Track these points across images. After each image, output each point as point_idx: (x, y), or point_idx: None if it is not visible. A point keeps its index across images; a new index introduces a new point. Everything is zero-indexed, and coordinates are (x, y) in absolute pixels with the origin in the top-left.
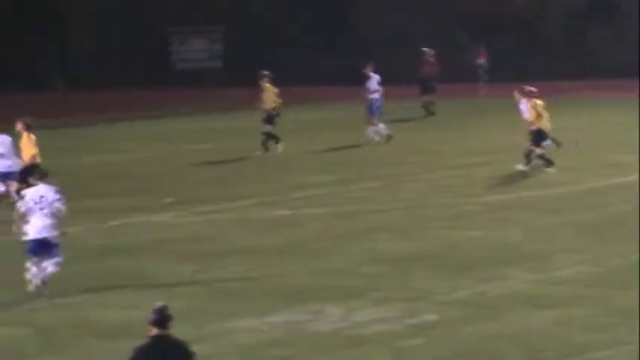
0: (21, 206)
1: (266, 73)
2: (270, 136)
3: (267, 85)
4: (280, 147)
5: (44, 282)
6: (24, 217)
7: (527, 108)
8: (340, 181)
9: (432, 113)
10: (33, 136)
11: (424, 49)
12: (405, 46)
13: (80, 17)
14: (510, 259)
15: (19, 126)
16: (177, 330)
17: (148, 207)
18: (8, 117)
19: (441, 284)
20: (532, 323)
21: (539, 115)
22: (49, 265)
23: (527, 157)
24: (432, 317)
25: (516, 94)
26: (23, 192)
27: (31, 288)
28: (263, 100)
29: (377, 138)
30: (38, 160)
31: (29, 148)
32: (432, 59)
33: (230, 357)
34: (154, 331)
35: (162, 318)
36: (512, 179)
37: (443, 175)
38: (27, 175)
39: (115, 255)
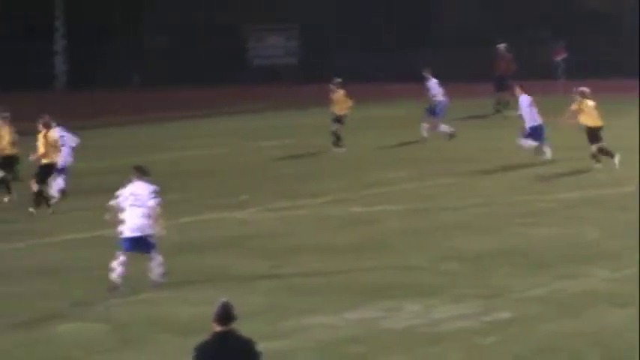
0: (117, 202)
1: (338, 80)
2: (337, 136)
3: (339, 90)
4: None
5: (159, 278)
6: (119, 212)
7: (527, 104)
8: (414, 178)
9: (499, 111)
10: (51, 136)
11: (499, 45)
12: (479, 43)
13: (156, 15)
14: (587, 257)
15: (39, 124)
16: (253, 326)
17: (223, 204)
18: (92, 113)
19: (517, 281)
20: (609, 321)
21: (586, 114)
22: (155, 267)
23: (595, 156)
24: (508, 315)
25: (517, 89)
26: (120, 190)
27: (113, 280)
28: (334, 104)
29: (426, 134)
30: (47, 160)
31: (43, 147)
32: (507, 55)
33: (306, 353)
34: (217, 327)
35: (225, 314)
36: (585, 177)
37: (516, 173)
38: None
39: (190, 251)
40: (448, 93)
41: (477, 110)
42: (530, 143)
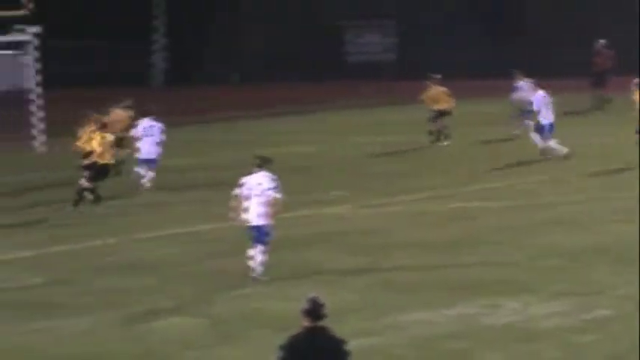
0: (239, 192)
1: (436, 76)
2: (432, 133)
3: (437, 87)
4: (444, 143)
5: (257, 269)
6: (241, 204)
7: (541, 100)
8: (511, 174)
9: (599, 108)
10: (107, 136)
11: (599, 40)
12: (577, 39)
13: (253, 11)
14: None
15: (97, 123)
16: (350, 322)
17: (319, 200)
18: (190, 110)
19: (615, 279)
20: None
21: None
22: (259, 254)
23: None
24: (606, 312)
25: (534, 85)
26: (243, 179)
27: (253, 274)
28: (433, 101)
29: (518, 132)
30: (103, 160)
31: (100, 147)
32: (605, 51)
33: (403, 349)
34: (306, 322)
35: (314, 309)
36: None
37: (613, 169)
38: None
39: (287, 247)
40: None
41: (575, 106)
42: (539, 139)
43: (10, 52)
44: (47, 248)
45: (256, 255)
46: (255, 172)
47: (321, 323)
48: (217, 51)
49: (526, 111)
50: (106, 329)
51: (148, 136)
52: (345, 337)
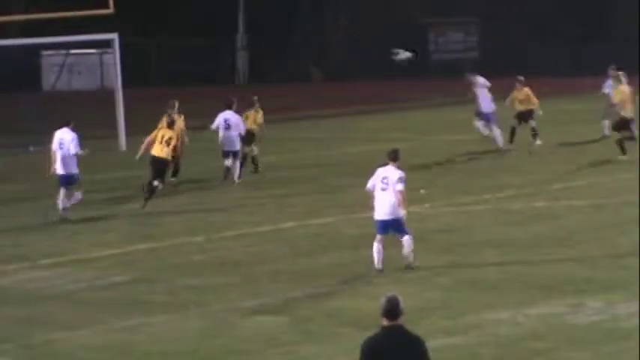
0: (369, 186)
1: (520, 78)
2: (514, 133)
3: (523, 88)
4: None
5: (408, 259)
6: (371, 195)
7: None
8: (597, 173)
9: None
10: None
11: None
12: None
13: (336, 8)
14: None
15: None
16: (433, 321)
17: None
18: (273, 108)
19: None
20: None
21: None
22: (405, 246)
23: None
24: None
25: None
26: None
27: (377, 266)
28: (517, 102)
29: (608, 132)
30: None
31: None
32: None
33: (487, 348)
34: (385, 321)
35: (392, 308)
36: None
37: None
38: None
39: (368, 245)
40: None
41: None
42: (482, 127)
43: (95, 51)
44: (133, 246)
45: (403, 245)
46: (385, 166)
47: (399, 322)
48: (299, 48)
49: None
50: (191, 327)
51: (228, 129)
52: (428, 336)
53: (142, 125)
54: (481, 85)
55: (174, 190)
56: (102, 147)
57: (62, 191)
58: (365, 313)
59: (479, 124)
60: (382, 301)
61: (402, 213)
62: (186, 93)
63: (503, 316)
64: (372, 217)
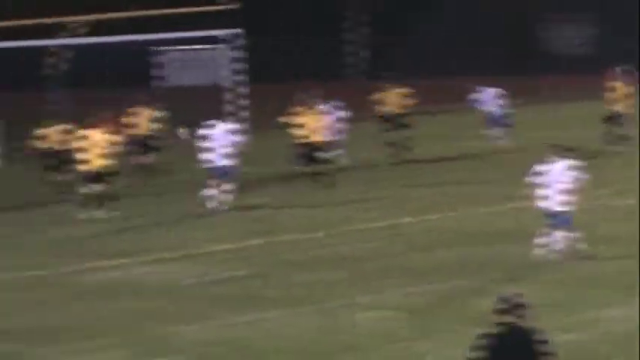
0: (534, 178)
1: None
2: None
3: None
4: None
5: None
6: (537, 188)
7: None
8: None
9: None
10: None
11: None
12: None
13: (452, 4)
14: None
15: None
16: (549, 318)
17: (523, 194)
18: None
19: None
20: None
21: None
22: (560, 240)
23: None
24: None
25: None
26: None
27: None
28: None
29: None
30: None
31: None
32: None
33: (604, 346)
34: (502, 318)
35: (508, 306)
36: None
37: None
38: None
39: (487, 241)
40: None
41: None
42: None
43: (209, 46)
44: (248, 241)
45: (557, 240)
46: (551, 160)
47: (516, 319)
48: (412, 43)
49: None
50: (307, 323)
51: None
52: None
53: (259, 120)
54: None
55: (292, 185)
56: None
57: (217, 183)
58: (482, 309)
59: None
60: (499, 298)
61: (568, 207)
62: (306, 88)
63: (619, 313)
64: (488, 214)
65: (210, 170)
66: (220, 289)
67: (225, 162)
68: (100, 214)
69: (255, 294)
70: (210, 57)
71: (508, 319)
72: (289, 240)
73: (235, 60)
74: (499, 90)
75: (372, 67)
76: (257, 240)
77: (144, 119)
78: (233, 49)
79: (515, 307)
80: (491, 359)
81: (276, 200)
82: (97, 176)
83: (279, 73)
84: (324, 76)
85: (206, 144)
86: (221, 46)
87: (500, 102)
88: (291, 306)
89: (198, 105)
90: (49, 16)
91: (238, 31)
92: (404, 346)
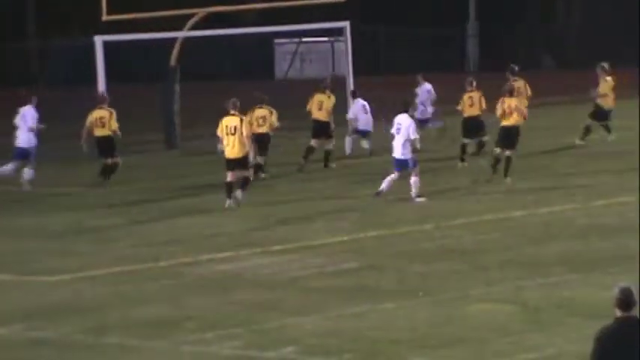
0: None
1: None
2: None
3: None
4: None
5: None
6: None
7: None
8: None
9: None
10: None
11: None
12: None
13: None
14: None
15: None
16: None
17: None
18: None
19: None
20: None
21: None
22: None
23: None
24: None
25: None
26: None
27: None
28: None
29: None
30: None
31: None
32: None
33: None
34: (618, 313)
35: (626, 300)
36: None
37: None
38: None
39: (602, 234)
40: None
41: None
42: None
43: (326, 39)
44: (363, 233)
45: None
46: None
47: (634, 313)
48: (530, 36)
49: None
50: (420, 315)
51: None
52: None
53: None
54: None
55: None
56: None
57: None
58: (596, 303)
59: None
60: (615, 291)
61: None
62: (415, 80)
63: None
64: (603, 206)
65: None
66: (336, 280)
67: (401, 154)
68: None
69: (369, 285)
70: (327, 49)
71: (627, 312)
72: (403, 232)
73: (346, 52)
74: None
75: (483, 60)
76: (373, 232)
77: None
78: (344, 41)
79: (633, 299)
80: (609, 352)
81: (391, 192)
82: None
83: (389, 64)
84: (437, 68)
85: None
86: (336, 38)
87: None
88: (405, 298)
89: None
90: (172, 8)
91: (347, 23)
92: (516, 339)
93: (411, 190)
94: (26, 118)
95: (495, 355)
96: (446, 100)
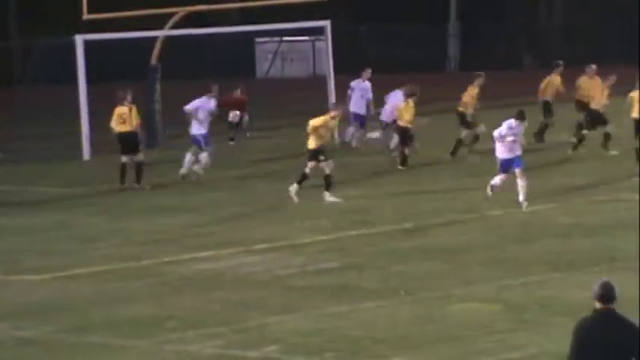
0: None
1: None
2: None
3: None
4: None
5: None
6: None
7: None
8: None
9: None
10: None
11: None
12: None
13: None
14: None
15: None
16: None
17: (619, 186)
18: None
19: None
20: None
21: None
22: None
23: None
24: None
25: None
26: None
27: None
28: None
29: None
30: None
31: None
32: None
33: None
34: (598, 305)
35: (606, 293)
36: None
37: None
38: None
39: (582, 233)
40: None
41: None
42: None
43: (307, 38)
44: (344, 232)
45: None
46: None
47: (612, 307)
48: (512, 35)
49: None
50: (402, 314)
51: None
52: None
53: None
54: None
55: (384, 176)
56: None
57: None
58: (578, 302)
59: None
60: (596, 285)
61: None
62: (397, 80)
63: None
64: (584, 205)
65: None
66: (318, 279)
67: None
68: None
69: (351, 285)
70: (308, 49)
71: (606, 305)
72: (384, 232)
73: (329, 51)
74: None
75: (464, 59)
76: (353, 231)
77: None
78: (325, 40)
79: (613, 293)
80: (586, 344)
81: (372, 191)
82: None
83: (370, 63)
84: (418, 68)
85: None
86: (317, 37)
87: None
88: (387, 297)
89: (295, 96)
90: (153, 7)
91: (327, 22)
92: (498, 338)
93: None
94: None
95: (477, 354)
96: (424, 100)
